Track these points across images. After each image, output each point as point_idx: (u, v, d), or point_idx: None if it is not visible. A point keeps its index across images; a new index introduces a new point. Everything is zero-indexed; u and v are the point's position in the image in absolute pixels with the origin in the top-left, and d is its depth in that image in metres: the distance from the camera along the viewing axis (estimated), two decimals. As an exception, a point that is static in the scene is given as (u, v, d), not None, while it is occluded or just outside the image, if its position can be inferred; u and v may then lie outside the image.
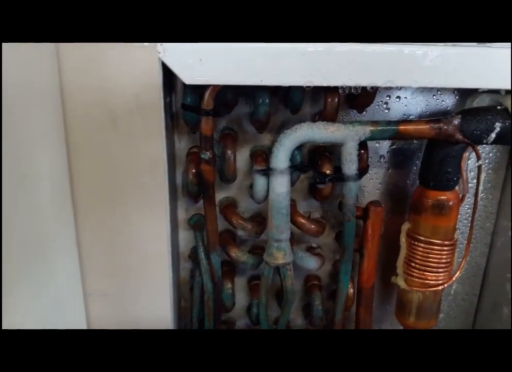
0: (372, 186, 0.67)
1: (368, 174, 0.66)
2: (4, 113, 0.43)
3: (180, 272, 0.69)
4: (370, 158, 0.65)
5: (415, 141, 0.64)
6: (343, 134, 0.55)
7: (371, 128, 0.55)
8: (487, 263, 0.73)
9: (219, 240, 0.65)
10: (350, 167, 0.56)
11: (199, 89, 0.53)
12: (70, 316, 0.60)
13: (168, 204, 0.56)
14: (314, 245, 0.69)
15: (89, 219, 0.60)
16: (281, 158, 0.56)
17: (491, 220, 0.70)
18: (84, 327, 0.62)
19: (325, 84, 0.49)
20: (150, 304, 0.62)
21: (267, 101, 0.55)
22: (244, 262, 0.63)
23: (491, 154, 0.66)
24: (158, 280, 0.61)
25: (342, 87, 0.52)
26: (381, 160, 0.66)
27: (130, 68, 0.54)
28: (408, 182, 0.67)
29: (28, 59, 0.48)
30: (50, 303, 0.55)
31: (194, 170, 0.57)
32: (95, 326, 0.64)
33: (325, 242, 0.69)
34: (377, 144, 0.65)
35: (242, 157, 0.63)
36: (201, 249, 0.62)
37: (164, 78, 0.50)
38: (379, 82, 0.49)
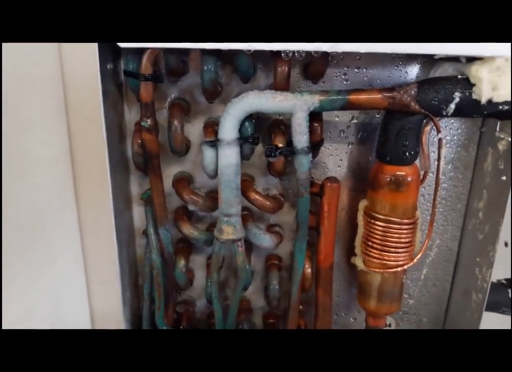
0: (332, 162, 0.64)
1: (328, 150, 0.63)
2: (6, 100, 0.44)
3: (136, 249, 0.67)
4: (329, 133, 0.62)
5: (377, 115, 0.61)
6: (291, 103, 0.52)
7: (320, 97, 0.52)
8: (459, 247, 0.69)
9: (174, 216, 0.64)
10: (300, 139, 0.53)
11: (141, 55, 0.51)
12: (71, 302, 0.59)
13: (110, 179, 0.54)
14: (273, 223, 0.67)
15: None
16: (228, 128, 0.53)
17: (462, 202, 0.67)
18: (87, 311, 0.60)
19: (265, 48, 0.47)
20: (100, 281, 0.61)
21: (211, 67, 0.53)
22: (196, 238, 0.61)
23: (459, 130, 0.63)
24: (107, 258, 0.59)
25: (284, 52, 0.49)
26: (342, 135, 0.62)
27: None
28: (370, 158, 0.63)
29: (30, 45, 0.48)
30: (50, 287, 0.55)
31: (138, 141, 0.56)
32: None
33: (285, 220, 0.67)
34: (337, 118, 0.61)
35: (195, 129, 0.61)
36: (151, 224, 0.60)
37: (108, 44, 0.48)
38: (324, 47, 0.47)
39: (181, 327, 0.66)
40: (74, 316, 0.62)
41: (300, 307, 0.68)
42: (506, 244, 0.62)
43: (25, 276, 0.53)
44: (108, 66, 0.54)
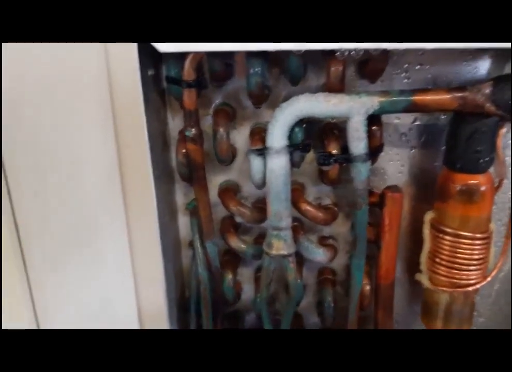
0: (392, 169, 0.58)
1: (388, 156, 0.57)
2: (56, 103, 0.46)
3: (183, 260, 0.65)
4: (389, 136, 0.56)
5: (442, 116, 0.55)
6: (347, 106, 0.47)
7: (379, 99, 0.47)
8: (538, 261, 0.62)
9: (220, 227, 0.60)
10: (357, 145, 0.48)
11: (183, 60, 0.47)
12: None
13: (154, 189, 0.51)
14: (326, 235, 0.62)
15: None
16: (276, 136, 0.49)
17: (542, 211, 0.59)
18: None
19: (316, 48, 0.42)
20: (145, 296, 0.59)
21: (258, 69, 0.49)
22: (244, 251, 0.58)
23: (540, 130, 0.55)
24: (151, 271, 0.57)
25: (339, 51, 0.44)
26: (403, 138, 0.56)
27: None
28: (435, 164, 0.57)
29: (76, 47, 0.46)
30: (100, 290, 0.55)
31: (183, 150, 0.53)
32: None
33: (339, 232, 0.62)
34: (398, 120, 0.56)
35: (241, 136, 0.57)
36: (196, 237, 0.57)
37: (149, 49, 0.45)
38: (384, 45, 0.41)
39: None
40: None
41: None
42: None
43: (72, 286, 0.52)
44: (149, 72, 0.51)
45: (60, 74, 0.47)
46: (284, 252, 0.53)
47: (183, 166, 0.53)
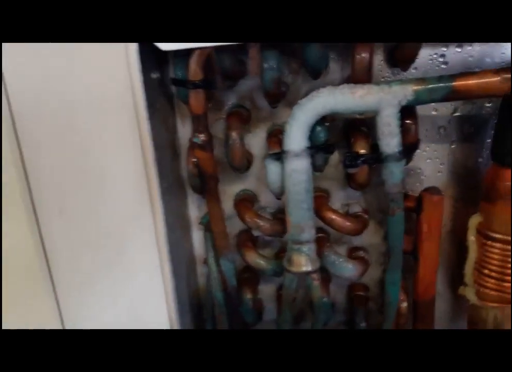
0: (430, 168, 0.51)
1: (424, 153, 0.51)
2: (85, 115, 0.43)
3: (198, 278, 0.59)
4: (425, 131, 0.50)
5: (487, 104, 0.48)
6: (376, 98, 0.41)
7: (414, 87, 0.40)
8: None
9: (237, 242, 0.55)
10: (389, 142, 0.42)
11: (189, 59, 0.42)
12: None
13: (160, 201, 0.46)
14: (356, 246, 0.56)
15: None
16: (295, 137, 0.43)
17: None
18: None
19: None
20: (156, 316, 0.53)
21: (273, 64, 0.43)
22: (263, 268, 0.52)
23: None
24: (155, 291, 0.51)
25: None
26: (442, 132, 0.50)
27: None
28: (480, 160, 0.50)
29: (102, 58, 0.43)
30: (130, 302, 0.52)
31: (193, 159, 0.47)
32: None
33: (371, 242, 0.55)
34: (434, 112, 0.49)
35: (258, 139, 0.52)
36: (211, 254, 0.51)
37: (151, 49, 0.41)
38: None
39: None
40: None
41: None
42: None
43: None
44: (153, 75, 0.46)
45: (82, 86, 0.44)
46: (307, 268, 0.46)
47: (193, 176, 0.48)
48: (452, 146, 0.50)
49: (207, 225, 0.52)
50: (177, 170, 0.52)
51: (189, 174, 0.49)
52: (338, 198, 0.54)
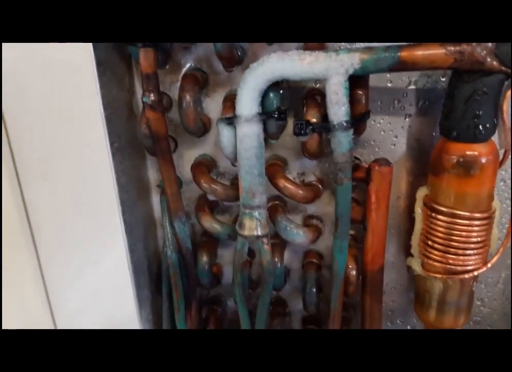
0: (385, 140, 0.51)
1: (379, 125, 0.51)
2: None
3: (159, 241, 0.60)
4: (380, 103, 0.50)
5: (442, 78, 0.48)
6: (324, 65, 0.41)
7: (361, 56, 0.40)
8: (552, 245, 0.54)
9: (195, 206, 0.56)
10: (336, 111, 0.42)
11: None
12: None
13: (111, 161, 0.46)
14: (312, 215, 0.56)
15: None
16: (246, 101, 0.43)
17: (557, 188, 0.52)
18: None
19: None
20: (114, 277, 0.54)
21: (223, 25, 0.43)
22: (218, 232, 0.53)
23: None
24: (112, 250, 0.52)
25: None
26: (396, 105, 0.50)
27: None
28: (434, 134, 0.50)
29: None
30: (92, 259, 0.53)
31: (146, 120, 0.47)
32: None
33: (326, 211, 0.56)
34: (390, 84, 0.49)
35: (216, 104, 0.52)
36: (165, 216, 0.52)
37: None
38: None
39: (207, 328, 0.59)
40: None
41: (346, 313, 0.57)
42: None
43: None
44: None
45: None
46: (257, 232, 0.47)
47: (146, 137, 0.48)
48: (407, 119, 0.50)
49: (163, 188, 0.53)
50: (134, 131, 0.53)
51: (141, 135, 0.49)
52: (295, 167, 0.54)
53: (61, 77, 0.45)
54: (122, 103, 0.50)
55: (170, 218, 0.51)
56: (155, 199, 0.58)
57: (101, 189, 0.48)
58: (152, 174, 0.57)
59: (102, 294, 0.54)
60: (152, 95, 0.44)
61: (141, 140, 0.50)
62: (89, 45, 0.42)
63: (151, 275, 0.58)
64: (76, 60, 0.43)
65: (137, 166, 0.54)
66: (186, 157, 0.55)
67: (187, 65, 0.51)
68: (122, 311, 0.54)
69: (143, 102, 0.45)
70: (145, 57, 0.43)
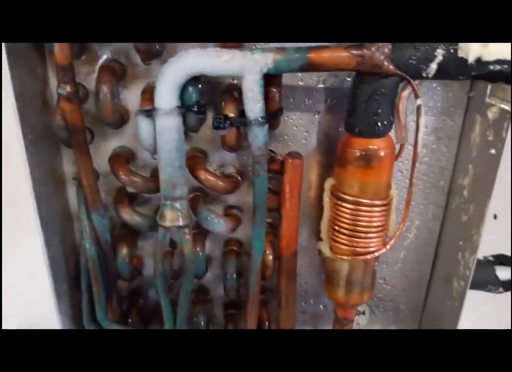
0: (297, 135, 0.55)
1: (292, 121, 0.55)
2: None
3: (76, 234, 0.59)
4: (292, 100, 0.53)
5: (347, 78, 0.52)
6: (240, 64, 0.43)
7: (274, 56, 0.43)
8: (441, 228, 0.62)
9: (113, 198, 0.55)
10: (252, 108, 0.45)
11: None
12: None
13: (24, 154, 0.45)
14: (232, 205, 0.59)
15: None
16: (165, 95, 0.44)
17: (445, 178, 0.59)
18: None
19: None
20: (30, 272, 0.53)
21: (140, 19, 0.43)
22: (138, 224, 0.54)
23: (443, 95, 0.54)
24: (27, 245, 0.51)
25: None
26: (307, 102, 0.53)
27: None
28: (341, 129, 0.55)
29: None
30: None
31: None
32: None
33: (245, 202, 0.58)
34: (301, 83, 0.52)
35: (134, 96, 0.52)
36: (82, 209, 0.52)
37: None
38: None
39: (129, 320, 0.59)
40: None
41: (263, 296, 0.61)
42: (495, 217, 0.54)
43: None
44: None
45: None
46: (179, 223, 0.49)
47: (61, 128, 0.47)
48: (317, 116, 0.54)
49: (80, 181, 0.52)
50: (47, 123, 0.51)
51: (56, 127, 0.48)
52: (215, 159, 0.56)
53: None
54: (36, 93, 0.48)
55: (87, 211, 0.51)
56: (71, 192, 0.57)
57: (14, 183, 0.46)
58: (68, 167, 0.56)
59: (19, 289, 0.52)
60: (68, 86, 0.44)
61: (56, 132, 0.49)
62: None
63: (69, 269, 0.57)
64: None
65: (52, 159, 0.53)
66: (103, 149, 0.54)
67: (104, 57, 0.50)
68: (41, 306, 0.53)
69: (58, 93, 0.44)
70: (59, 48, 0.42)
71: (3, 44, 0.41)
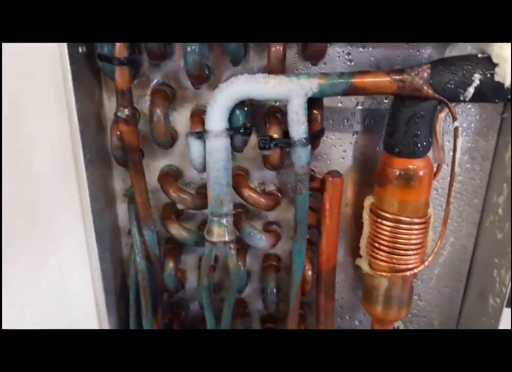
0: (335, 154, 0.58)
1: (330, 140, 0.57)
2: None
3: (123, 249, 0.62)
4: (331, 121, 0.56)
5: (385, 100, 0.55)
6: (286, 88, 0.46)
7: (319, 81, 0.46)
8: (475, 245, 0.63)
9: (161, 214, 0.58)
10: (297, 129, 0.47)
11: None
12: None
13: (85, 172, 0.48)
14: (272, 221, 0.61)
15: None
16: (215, 118, 0.47)
17: (479, 196, 0.60)
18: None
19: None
20: (82, 285, 0.55)
21: (195, 48, 0.46)
22: (185, 238, 0.56)
23: (477, 116, 0.56)
24: (80, 259, 0.54)
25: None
26: (346, 123, 0.56)
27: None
28: (378, 149, 0.57)
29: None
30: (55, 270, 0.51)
31: (117, 133, 0.50)
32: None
33: (284, 218, 0.61)
34: (340, 104, 0.55)
35: (182, 118, 0.55)
36: (134, 224, 0.55)
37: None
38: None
39: (172, 332, 0.62)
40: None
41: (301, 311, 0.63)
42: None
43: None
44: (80, 49, 0.48)
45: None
46: (225, 238, 0.51)
47: (117, 148, 0.51)
48: (354, 136, 0.57)
49: (131, 197, 0.56)
50: (102, 143, 0.55)
51: (112, 147, 0.51)
52: (256, 177, 0.59)
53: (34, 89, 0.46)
54: (93, 116, 0.52)
55: (139, 226, 0.54)
56: (120, 208, 0.60)
57: (72, 199, 0.49)
58: (118, 184, 0.59)
59: (67, 302, 0.55)
60: (126, 110, 0.47)
61: (111, 152, 0.52)
62: (66, 60, 0.44)
63: (116, 282, 0.60)
64: (51, 73, 0.45)
65: (105, 177, 0.56)
66: (152, 168, 0.58)
67: (155, 81, 0.54)
68: (90, 317, 0.56)
69: (117, 116, 0.47)
70: (120, 74, 0.45)
71: (69, 67, 0.44)
